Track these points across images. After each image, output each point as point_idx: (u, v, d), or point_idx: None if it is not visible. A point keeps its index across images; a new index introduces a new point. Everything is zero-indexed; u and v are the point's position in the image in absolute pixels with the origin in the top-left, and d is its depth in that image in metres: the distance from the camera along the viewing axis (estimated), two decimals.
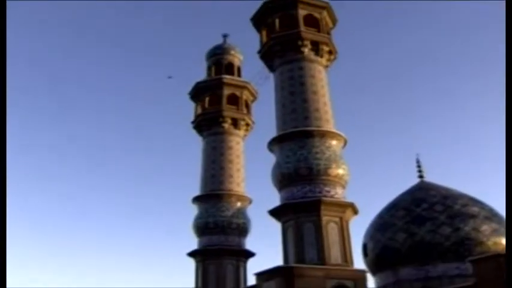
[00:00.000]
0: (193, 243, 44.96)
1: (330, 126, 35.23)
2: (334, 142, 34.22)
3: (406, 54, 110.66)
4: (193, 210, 46.17)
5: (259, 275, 30.13)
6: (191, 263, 44.58)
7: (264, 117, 51.65)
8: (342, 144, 34.99)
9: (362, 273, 30.39)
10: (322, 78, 37.59)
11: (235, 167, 46.55)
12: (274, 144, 35.87)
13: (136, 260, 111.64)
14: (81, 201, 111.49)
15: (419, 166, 41.98)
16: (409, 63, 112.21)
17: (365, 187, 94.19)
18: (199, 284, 42.40)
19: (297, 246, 31.18)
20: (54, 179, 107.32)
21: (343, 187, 33.40)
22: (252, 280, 36.07)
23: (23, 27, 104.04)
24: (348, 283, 28.73)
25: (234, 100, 49.74)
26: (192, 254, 44.30)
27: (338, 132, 34.93)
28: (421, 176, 41.39)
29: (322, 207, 31.35)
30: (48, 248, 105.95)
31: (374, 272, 38.28)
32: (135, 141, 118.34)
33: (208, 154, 47.66)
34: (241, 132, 48.78)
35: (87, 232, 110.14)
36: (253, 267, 46.62)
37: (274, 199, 34.82)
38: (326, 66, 38.95)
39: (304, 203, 31.95)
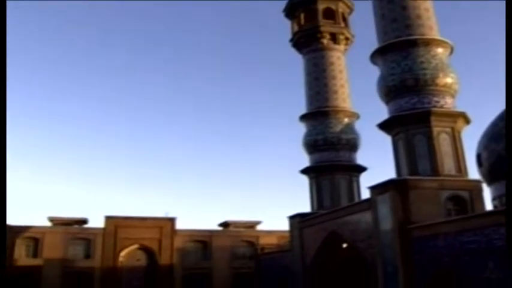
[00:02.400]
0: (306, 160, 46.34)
1: (433, 33, 33.77)
2: (439, 50, 32.95)
3: None
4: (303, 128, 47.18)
5: (373, 189, 30.45)
6: (305, 180, 46.14)
7: (364, 29, 50.26)
8: (448, 51, 33.56)
9: (477, 183, 30.02)
10: None
11: (339, 82, 46.24)
12: (376, 56, 35.19)
13: (252, 178, 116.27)
14: (200, 129, 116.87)
15: None
16: None
17: (476, 95, 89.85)
18: (315, 200, 43.91)
19: (409, 159, 31.30)
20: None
21: (453, 96, 32.48)
22: (365, 194, 36.86)
23: None
24: (463, 194, 28.62)
25: (330, 14, 48.54)
26: (304, 171, 45.59)
27: (443, 39, 33.42)
28: None
29: (432, 118, 30.93)
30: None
31: (489, 182, 37.26)
32: (241, 64, 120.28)
33: (310, 71, 47.62)
34: (341, 47, 47.89)
35: (205, 156, 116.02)
36: (366, 181, 47.37)
37: (383, 112, 34.86)
38: None
39: (413, 114, 31.62)
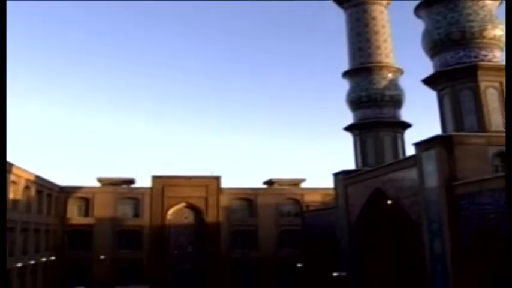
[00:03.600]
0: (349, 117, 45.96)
1: None
2: (488, 0, 31.71)
3: None
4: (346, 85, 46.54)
5: (418, 145, 30.01)
6: (349, 137, 45.84)
7: None
8: (498, 2, 32.25)
9: None
10: None
11: (382, 37, 45.04)
12: (421, 9, 34.27)
13: (296, 136, 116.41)
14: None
15: None
16: None
17: None
18: (359, 157, 43.67)
19: (455, 114, 30.76)
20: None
21: (502, 49, 31.40)
22: (410, 150, 36.43)
23: None
24: None
25: None
26: (348, 128, 45.26)
27: None
28: None
29: (479, 72, 30.11)
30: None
31: None
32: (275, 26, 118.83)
33: (352, 27, 46.52)
34: (384, 1, 46.29)
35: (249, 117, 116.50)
36: (410, 138, 46.72)
37: (428, 67, 34.06)
38: None
39: (459, 69, 30.90)
